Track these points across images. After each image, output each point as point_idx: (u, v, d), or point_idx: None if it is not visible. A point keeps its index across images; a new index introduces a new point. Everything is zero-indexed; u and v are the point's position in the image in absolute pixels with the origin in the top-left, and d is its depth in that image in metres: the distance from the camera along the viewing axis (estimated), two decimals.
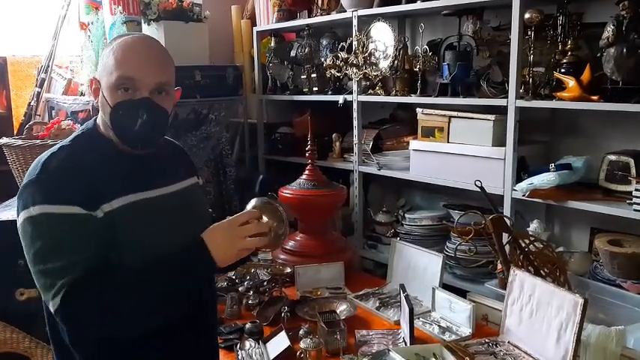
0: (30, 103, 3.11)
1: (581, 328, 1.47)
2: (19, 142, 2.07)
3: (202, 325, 1.38)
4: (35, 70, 3.20)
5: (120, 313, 1.15)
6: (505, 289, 1.99)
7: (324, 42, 3.19)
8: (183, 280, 1.21)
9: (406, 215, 2.88)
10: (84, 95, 2.93)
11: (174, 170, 1.39)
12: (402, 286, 1.77)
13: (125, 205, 1.22)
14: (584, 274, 2.23)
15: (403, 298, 1.72)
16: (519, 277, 1.71)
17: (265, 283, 2.13)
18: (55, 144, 2.01)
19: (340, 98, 2.90)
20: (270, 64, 3.41)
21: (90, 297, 1.13)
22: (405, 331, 1.72)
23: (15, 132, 3.08)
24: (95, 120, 1.33)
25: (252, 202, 1.34)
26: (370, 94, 2.86)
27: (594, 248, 2.39)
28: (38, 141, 2.08)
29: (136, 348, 1.23)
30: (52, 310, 1.14)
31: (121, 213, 1.20)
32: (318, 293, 2.12)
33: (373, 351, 1.66)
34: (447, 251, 2.59)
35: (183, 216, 1.32)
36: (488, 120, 2.39)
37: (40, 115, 3.08)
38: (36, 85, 3.12)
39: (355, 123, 2.93)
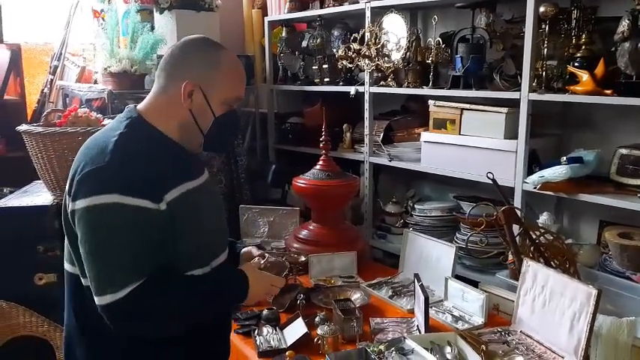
0: (43, 90, 3.14)
1: (594, 319, 1.51)
2: (39, 129, 2.09)
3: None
4: (48, 57, 3.22)
5: (165, 318, 1.23)
6: (516, 280, 2.03)
7: (336, 33, 3.20)
8: (219, 301, 1.35)
9: (416, 206, 2.90)
10: (97, 83, 2.95)
11: (201, 162, 1.47)
12: (417, 276, 1.80)
13: (182, 193, 1.27)
14: (594, 266, 2.26)
15: (418, 287, 1.75)
16: (532, 268, 1.74)
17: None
18: (75, 131, 2.07)
19: (352, 89, 2.92)
20: (282, 54, 3.43)
21: (149, 303, 1.19)
22: (419, 319, 1.76)
23: (29, 119, 3.11)
24: (140, 115, 1.32)
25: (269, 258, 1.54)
26: (382, 85, 2.88)
27: (603, 241, 2.42)
28: (58, 128, 2.10)
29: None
30: (101, 304, 1.16)
31: (178, 202, 1.25)
32: (332, 282, 2.15)
33: (389, 338, 1.69)
34: (456, 242, 2.62)
35: (216, 202, 1.46)
36: (501, 113, 2.40)
37: (53, 103, 3.11)
38: (49, 73, 3.14)
39: (366, 114, 2.95)
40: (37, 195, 2.32)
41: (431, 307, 1.82)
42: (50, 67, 3.15)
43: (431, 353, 1.56)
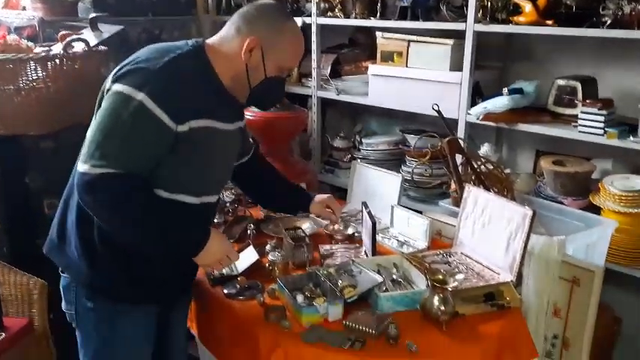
0: None
1: (528, 238, 1.61)
2: None
3: None
4: None
5: (120, 216, 1.31)
6: (458, 207, 2.12)
7: None
8: (172, 236, 1.37)
9: (363, 140, 2.94)
10: (26, 9, 2.75)
11: (240, 111, 1.58)
12: (365, 203, 1.85)
13: (206, 127, 1.37)
14: (529, 193, 2.39)
15: (366, 214, 1.80)
16: (473, 193, 1.82)
17: (229, 204, 2.17)
18: (5, 59, 1.94)
19: (299, 21, 2.85)
20: None
21: (112, 193, 1.27)
22: (366, 244, 1.82)
23: None
24: (203, 48, 1.42)
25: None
26: (329, 16, 2.83)
27: (539, 169, 2.55)
28: None
29: None
30: (79, 169, 1.27)
31: (198, 132, 1.35)
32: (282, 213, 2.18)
33: (337, 263, 1.75)
34: (402, 174, 2.69)
35: (232, 151, 1.59)
36: (446, 44, 2.43)
37: None
38: None
39: (314, 47, 2.91)
40: None
41: (377, 234, 1.88)
42: None
43: (378, 274, 1.63)
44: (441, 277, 1.46)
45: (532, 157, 2.62)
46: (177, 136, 1.32)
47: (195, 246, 1.38)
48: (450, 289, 1.42)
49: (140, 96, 1.27)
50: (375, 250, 1.76)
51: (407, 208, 2.15)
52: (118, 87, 1.30)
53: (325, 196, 1.89)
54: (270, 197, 1.89)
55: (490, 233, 1.73)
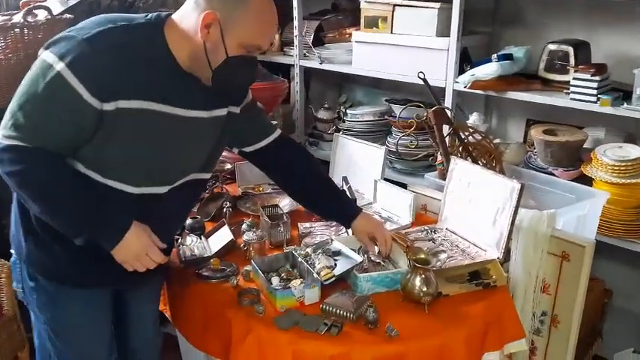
0: None
1: (516, 212, 1.52)
2: None
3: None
4: None
5: (30, 191, 1.20)
6: (444, 180, 2.04)
7: None
8: (84, 221, 1.22)
9: (348, 111, 2.83)
10: None
11: (216, 98, 1.35)
12: (345, 178, 1.76)
13: (139, 109, 1.20)
14: (519, 163, 2.31)
15: (346, 190, 1.71)
16: (459, 166, 1.73)
17: None
18: None
19: None
20: None
21: (23, 170, 1.16)
22: None
23: None
24: (162, 23, 1.25)
25: None
26: None
27: (529, 139, 2.46)
28: None
29: None
30: None
31: (133, 114, 1.19)
32: (260, 189, 2.08)
33: (316, 242, 1.67)
34: (388, 146, 2.60)
35: (196, 140, 1.34)
36: (433, 8, 2.31)
37: None
38: None
39: (295, 13, 2.77)
40: None
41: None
42: None
43: (358, 254, 1.55)
44: (423, 255, 1.38)
45: (522, 127, 2.53)
46: (103, 116, 1.16)
47: (110, 237, 1.23)
48: (432, 269, 1.34)
49: (60, 66, 1.13)
50: None
51: (392, 181, 2.06)
52: (44, 54, 1.17)
53: (373, 220, 1.61)
54: (303, 195, 1.64)
55: (476, 208, 1.65)
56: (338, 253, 1.52)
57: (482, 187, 1.64)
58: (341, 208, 1.59)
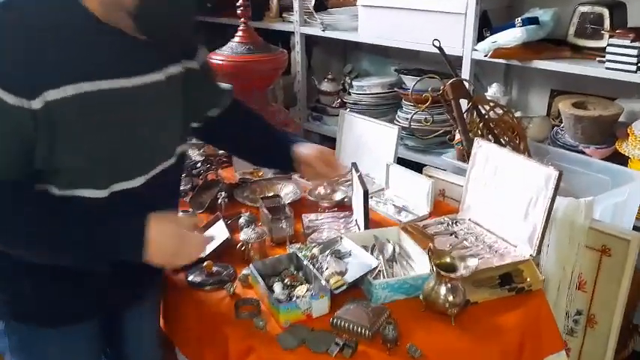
0: None
1: (552, 204, 1.32)
2: None
3: None
4: None
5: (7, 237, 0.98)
6: (463, 161, 1.83)
7: None
8: (97, 253, 1.02)
9: (353, 83, 2.61)
10: None
11: (163, 52, 1.07)
12: (355, 165, 1.55)
13: (74, 95, 0.93)
14: (544, 140, 2.10)
15: (356, 178, 1.51)
16: (484, 149, 1.53)
17: (199, 165, 1.87)
18: None
19: None
20: None
21: None
22: (358, 215, 1.54)
23: None
24: None
25: None
26: None
27: (553, 111, 2.25)
28: None
29: None
30: None
31: (67, 105, 0.92)
32: (260, 174, 1.89)
33: (323, 238, 1.48)
34: (398, 121, 2.39)
35: (153, 114, 1.08)
36: None
37: None
38: None
39: None
40: None
41: (371, 198, 1.61)
42: None
43: (371, 253, 1.36)
44: (448, 260, 1.19)
45: (546, 98, 2.30)
46: (36, 117, 0.90)
47: (132, 246, 1.00)
48: (459, 277, 1.15)
49: None
50: (368, 221, 1.47)
51: (405, 160, 1.87)
52: None
53: (313, 148, 1.40)
54: (253, 154, 1.47)
55: (504, 197, 1.45)
56: (348, 254, 1.33)
57: (512, 174, 1.43)
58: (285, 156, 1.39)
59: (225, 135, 1.40)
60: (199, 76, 1.20)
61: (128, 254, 1.02)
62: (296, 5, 2.58)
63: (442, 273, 1.14)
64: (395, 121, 2.40)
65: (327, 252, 1.33)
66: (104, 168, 1.02)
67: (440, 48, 1.88)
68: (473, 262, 1.16)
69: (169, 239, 1.04)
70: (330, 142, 2.81)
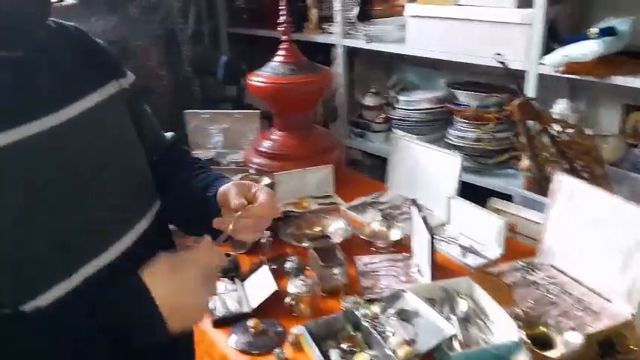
0: None
1: None
2: None
3: None
4: None
5: None
6: (535, 192, 1.63)
7: None
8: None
9: (400, 97, 2.42)
10: None
11: (73, 78, 0.78)
12: (415, 202, 1.37)
13: None
14: (618, 163, 1.87)
15: (418, 219, 1.32)
16: (567, 185, 1.32)
17: None
18: None
19: None
20: None
21: None
22: (420, 261, 1.36)
23: None
24: None
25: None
26: None
27: (627, 129, 2.02)
28: None
29: None
30: None
31: None
32: (304, 205, 1.72)
33: (382, 286, 1.31)
34: (449, 139, 2.19)
35: (91, 159, 0.76)
36: None
37: None
38: None
39: None
40: None
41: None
42: None
43: (440, 309, 1.17)
44: (543, 329, 0.99)
45: (618, 114, 2.07)
46: None
47: (145, 321, 0.69)
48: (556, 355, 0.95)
49: None
50: (435, 270, 1.29)
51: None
52: None
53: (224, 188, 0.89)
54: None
55: (596, 242, 1.25)
56: (415, 313, 1.15)
57: (604, 216, 1.23)
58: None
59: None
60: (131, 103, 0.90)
61: (139, 327, 0.69)
62: (338, 16, 2.40)
63: (536, 350, 0.95)
64: (445, 139, 2.21)
65: (390, 310, 1.15)
66: (55, 248, 0.69)
67: (503, 62, 1.68)
68: (574, 338, 0.96)
69: (180, 292, 0.71)
70: (373, 159, 2.63)
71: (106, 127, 0.81)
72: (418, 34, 2.17)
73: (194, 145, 2.16)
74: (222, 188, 0.88)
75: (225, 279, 1.36)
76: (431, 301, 1.19)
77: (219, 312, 1.26)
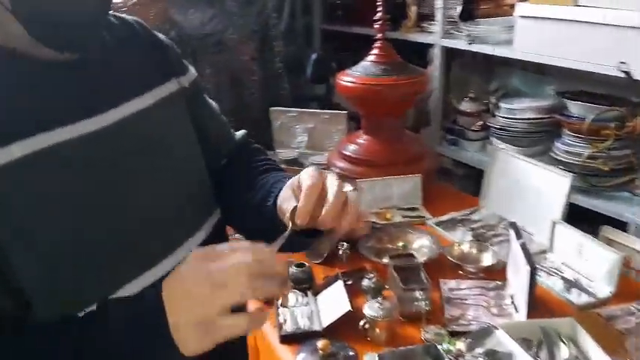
0: None
1: None
2: None
3: None
4: None
5: None
6: None
7: None
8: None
9: (501, 104, 2.22)
10: None
11: (130, 77, 0.76)
12: (514, 227, 1.21)
13: (31, 154, 0.63)
14: None
15: (518, 247, 1.16)
16: None
17: None
18: None
19: None
20: None
21: None
22: (516, 294, 1.20)
23: None
24: None
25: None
26: None
27: None
28: None
29: None
30: None
31: (21, 169, 0.62)
32: (388, 217, 1.60)
33: (469, 317, 1.17)
34: (554, 154, 1.97)
35: (145, 162, 0.72)
36: None
37: None
38: None
39: None
40: None
41: None
42: None
43: (537, 353, 1.02)
44: None
45: None
46: None
47: (158, 337, 0.59)
48: None
49: None
50: (533, 306, 1.13)
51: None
52: None
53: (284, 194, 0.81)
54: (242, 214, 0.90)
55: None
56: (508, 355, 1.00)
57: None
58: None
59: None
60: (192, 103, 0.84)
61: (154, 345, 0.60)
62: (439, 14, 2.25)
63: None
64: (550, 154, 1.99)
65: (478, 350, 1.01)
66: (86, 267, 0.65)
67: (627, 72, 1.47)
68: None
69: (195, 313, 0.59)
70: (466, 169, 2.45)
71: (160, 127, 0.77)
72: (528, 36, 1.98)
73: (278, 143, 2.11)
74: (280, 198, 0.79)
75: (298, 291, 1.27)
76: (526, 342, 1.04)
77: (289, 327, 1.18)
